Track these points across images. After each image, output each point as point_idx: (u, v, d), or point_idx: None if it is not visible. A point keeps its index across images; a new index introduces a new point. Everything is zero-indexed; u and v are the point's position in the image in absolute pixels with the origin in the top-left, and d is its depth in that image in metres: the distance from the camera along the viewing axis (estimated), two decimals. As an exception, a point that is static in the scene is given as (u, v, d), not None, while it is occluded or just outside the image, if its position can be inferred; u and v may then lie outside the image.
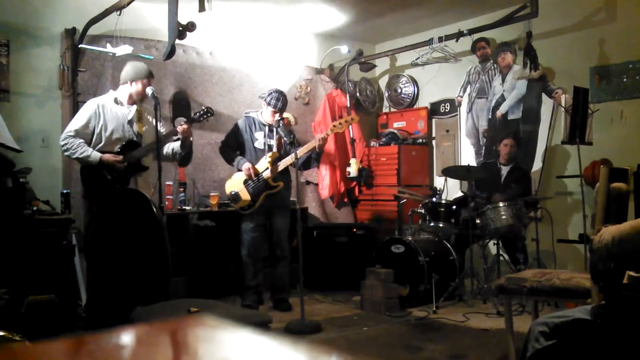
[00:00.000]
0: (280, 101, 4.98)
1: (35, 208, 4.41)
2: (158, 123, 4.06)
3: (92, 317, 3.63)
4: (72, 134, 4.22)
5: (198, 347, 0.75)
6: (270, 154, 5.02)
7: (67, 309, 4.08)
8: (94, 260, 2.87)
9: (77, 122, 4.28)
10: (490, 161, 5.98)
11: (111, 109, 4.36)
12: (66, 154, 4.30)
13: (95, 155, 4.21)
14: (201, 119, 4.53)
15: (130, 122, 4.39)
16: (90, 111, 4.30)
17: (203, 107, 4.60)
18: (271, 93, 5.04)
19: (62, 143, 4.24)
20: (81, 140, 4.22)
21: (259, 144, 5.08)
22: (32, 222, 4.17)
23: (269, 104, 5.01)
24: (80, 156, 4.21)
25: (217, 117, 6.15)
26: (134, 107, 4.42)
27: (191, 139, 4.52)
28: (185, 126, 4.35)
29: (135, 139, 4.39)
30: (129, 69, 4.44)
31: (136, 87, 4.38)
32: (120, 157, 4.26)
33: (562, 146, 5.43)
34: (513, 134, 5.87)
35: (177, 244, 5.46)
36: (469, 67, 6.61)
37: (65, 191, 4.74)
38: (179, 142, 4.45)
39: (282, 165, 4.99)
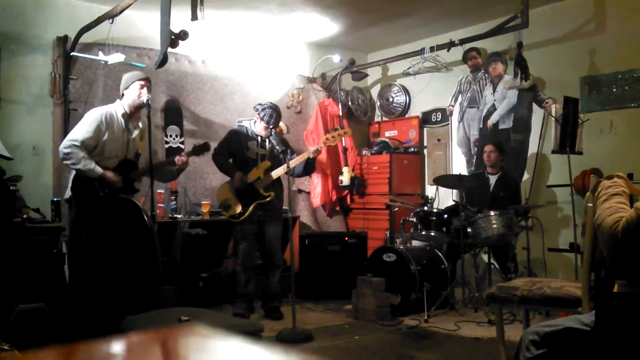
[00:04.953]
0: (273, 117, 4.96)
1: (25, 216, 4.39)
2: (150, 130, 4.04)
3: (83, 325, 3.60)
4: (78, 144, 4.06)
5: (189, 356, 0.75)
6: (262, 163, 5.03)
7: (57, 318, 4.05)
8: (85, 268, 2.85)
9: (84, 132, 4.12)
10: (479, 171, 6.00)
11: (117, 124, 4.23)
12: (66, 162, 4.14)
13: (98, 170, 4.10)
14: (198, 153, 4.65)
15: (133, 140, 4.33)
16: (98, 122, 4.14)
17: (200, 142, 4.75)
18: (265, 109, 5.00)
19: (66, 151, 4.07)
20: (84, 153, 4.08)
21: (251, 153, 5.07)
22: (22, 230, 4.15)
23: (262, 119, 5.00)
24: (82, 168, 4.07)
25: (209, 125, 6.18)
26: (139, 125, 4.38)
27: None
28: (184, 158, 4.44)
29: (133, 158, 4.34)
30: (122, 80, 4.37)
31: (131, 92, 4.26)
32: (120, 178, 4.18)
33: (553, 155, 5.46)
34: (493, 139, 5.89)
35: (168, 252, 5.45)
36: (460, 77, 6.64)
37: (55, 199, 4.72)
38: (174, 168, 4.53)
39: (274, 175, 4.99)
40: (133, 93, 4.26)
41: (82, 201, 4.20)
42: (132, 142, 4.35)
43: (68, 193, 4.32)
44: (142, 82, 4.27)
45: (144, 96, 4.15)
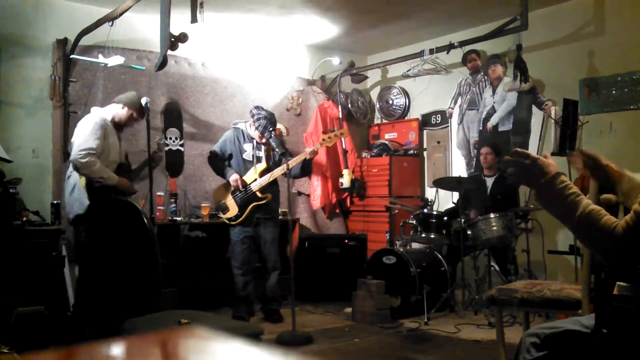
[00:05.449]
0: (267, 129, 4.91)
1: (25, 219, 4.38)
2: (149, 133, 4.07)
3: (82, 328, 3.60)
4: (93, 152, 4.10)
5: (189, 358, 0.75)
6: (258, 165, 5.03)
7: (57, 321, 4.05)
8: (85, 271, 2.85)
9: (95, 139, 4.15)
10: (476, 173, 5.99)
11: (112, 129, 4.35)
12: (83, 171, 4.14)
13: (114, 177, 4.18)
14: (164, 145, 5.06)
15: (121, 143, 4.45)
16: (102, 128, 4.22)
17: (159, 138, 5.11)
18: (259, 119, 4.95)
19: (84, 161, 4.08)
20: (99, 162, 4.15)
21: (247, 155, 5.08)
22: (21, 233, 4.14)
23: (257, 128, 4.98)
24: (104, 176, 4.13)
25: (208, 127, 6.18)
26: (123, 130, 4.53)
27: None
28: (162, 154, 4.74)
29: (125, 161, 4.46)
30: (128, 95, 4.50)
31: (125, 113, 4.41)
32: (130, 183, 4.33)
33: (552, 157, 5.45)
34: (490, 142, 5.89)
35: (168, 255, 5.44)
36: (459, 79, 6.65)
37: (55, 202, 4.71)
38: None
39: (270, 177, 4.98)
40: (124, 116, 4.42)
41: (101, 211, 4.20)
42: (122, 146, 4.47)
43: (80, 209, 4.17)
44: (136, 115, 4.43)
45: (143, 100, 4.35)
